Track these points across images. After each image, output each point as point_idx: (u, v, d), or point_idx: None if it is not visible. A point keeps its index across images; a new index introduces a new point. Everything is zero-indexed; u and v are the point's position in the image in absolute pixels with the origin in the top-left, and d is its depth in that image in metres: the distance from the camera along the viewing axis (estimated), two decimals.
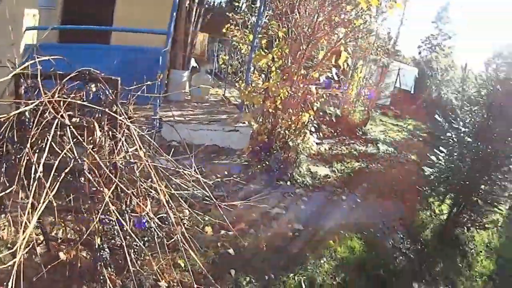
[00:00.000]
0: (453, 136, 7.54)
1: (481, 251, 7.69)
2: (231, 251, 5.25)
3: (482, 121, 7.27)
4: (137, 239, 3.29)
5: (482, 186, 7.45)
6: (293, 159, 7.92)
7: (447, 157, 7.63)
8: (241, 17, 12.36)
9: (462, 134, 7.44)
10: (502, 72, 7.85)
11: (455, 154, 7.61)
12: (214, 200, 3.61)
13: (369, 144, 11.41)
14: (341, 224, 6.78)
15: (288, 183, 7.60)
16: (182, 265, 4.55)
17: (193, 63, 11.07)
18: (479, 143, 7.22)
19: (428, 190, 7.90)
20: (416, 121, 17.63)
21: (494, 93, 7.17)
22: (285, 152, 7.84)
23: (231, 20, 12.27)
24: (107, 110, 3.17)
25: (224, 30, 12.51)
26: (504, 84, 7.16)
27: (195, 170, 3.50)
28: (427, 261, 6.76)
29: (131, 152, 3.24)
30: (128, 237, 3.35)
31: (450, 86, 19.91)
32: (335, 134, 11.67)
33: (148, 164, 3.20)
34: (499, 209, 7.58)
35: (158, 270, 3.83)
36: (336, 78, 7.93)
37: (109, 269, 3.66)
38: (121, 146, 3.19)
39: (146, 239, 3.68)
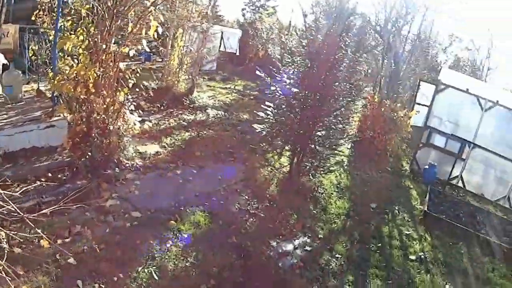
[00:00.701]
0: (278, 89, 7.88)
1: (332, 193, 8.44)
2: (71, 260, 4.76)
3: (307, 70, 7.74)
4: None
5: (318, 133, 8.06)
6: (116, 143, 7.62)
7: (276, 110, 8.03)
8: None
9: (288, 86, 7.84)
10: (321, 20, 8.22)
11: (283, 106, 8.03)
12: (21, 214, 3.27)
13: (198, 112, 11.56)
14: (181, 200, 6.77)
15: (117, 169, 7.32)
16: None
17: (2, 60, 9.65)
18: (306, 92, 7.72)
19: (265, 146, 8.42)
20: (246, 81, 18.38)
21: (314, 41, 7.62)
22: (107, 138, 7.49)
23: (39, 6, 10.94)
24: None
25: (33, 18, 11.13)
26: (322, 31, 7.64)
27: None
28: (280, 215, 7.06)
29: None
30: None
31: (275, 43, 21.06)
32: (162, 107, 11.54)
33: None
34: (339, 151, 8.37)
35: None
36: (148, 50, 7.66)
37: None
38: None
39: None
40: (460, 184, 11.15)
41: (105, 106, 7.42)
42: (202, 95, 13.37)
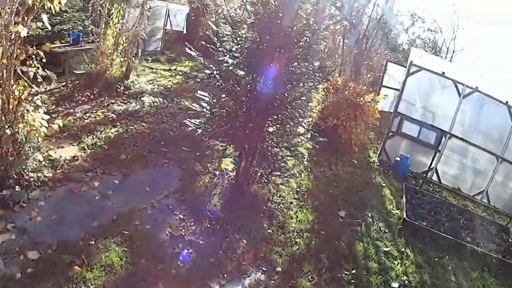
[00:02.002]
0: (216, 72, 5.95)
1: (291, 202, 6.84)
2: None
3: (255, 47, 5.85)
4: None
5: (270, 128, 6.35)
6: (16, 152, 5.78)
7: (213, 101, 6.20)
8: None
9: (230, 68, 5.85)
10: None
11: (224, 95, 6.18)
12: None
13: (132, 100, 9.70)
14: (93, 228, 5.03)
15: (17, 188, 5.49)
16: None
17: None
18: (255, 75, 5.87)
19: (205, 139, 6.66)
20: (194, 62, 16.46)
21: (265, 6, 5.67)
22: (1, 147, 5.60)
23: None
24: None
25: None
26: None
27: None
28: (224, 242, 5.41)
29: None
30: None
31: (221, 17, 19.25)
32: (92, 96, 9.63)
33: None
34: (298, 152, 6.54)
35: None
36: (48, 26, 5.72)
37: None
38: None
39: None
40: (434, 177, 9.96)
41: None
42: (140, 80, 11.40)
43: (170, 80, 12.62)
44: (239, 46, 5.96)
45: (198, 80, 13.21)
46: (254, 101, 5.96)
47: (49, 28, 5.81)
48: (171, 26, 18.32)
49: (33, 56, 5.72)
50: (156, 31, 16.31)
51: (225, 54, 5.98)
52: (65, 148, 6.82)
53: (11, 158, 5.50)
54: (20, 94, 5.70)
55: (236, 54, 5.95)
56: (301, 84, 6.13)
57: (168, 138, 7.84)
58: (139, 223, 5.29)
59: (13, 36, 5.46)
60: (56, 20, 10.60)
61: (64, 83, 9.85)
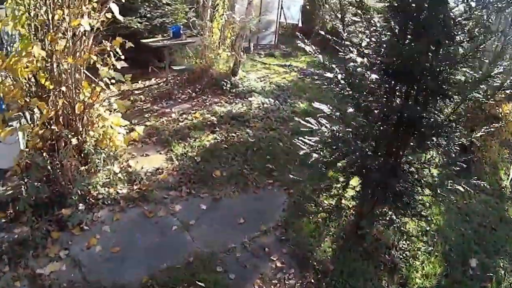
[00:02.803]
0: (340, 77, 4.14)
1: (419, 248, 4.90)
2: None
3: (395, 40, 3.97)
4: None
5: (410, 157, 4.44)
6: (83, 164, 4.82)
7: (336, 116, 4.48)
8: None
9: (359, 69, 4.16)
10: None
11: (351, 109, 4.33)
12: None
13: (238, 100, 8.46)
14: (160, 271, 3.86)
15: (81, 205, 4.53)
16: None
17: None
18: (393, 82, 4.02)
19: (323, 167, 4.65)
20: (311, 57, 14.83)
21: None
22: (69, 157, 4.64)
23: None
24: None
25: None
26: None
27: None
28: None
29: None
30: None
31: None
32: (195, 94, 8.65)
33: None
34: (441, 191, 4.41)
35: None
36: (120, 18, 4.62)
37: None
38: None
39: None
40: None
41: (73, 105, 4.67)
42: (249, 76, 10.20)
43: (284, 77, 11.21)
44: (371, 38, 4.19)
45: (316, 78, 11.59)
46: (392, 119, 4.12)
47: (121, 19, 4.70)
48: (285, 18, 16.96)
49: (111, 53, 4.72)
50: (269, 24, 15.09)
51: (351, 50, 4.26)
52: (150, 157, 5.82)
53: (75, 173, 4.52)
54: (87, 98, 4.70)
55: (366, 51, 4.18)
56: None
57: (276, 150, 6.39)
58: (222, 271, 3.95)
59: (78, 31, 4.47)
60: (157, 13, 9.93)
61: (165, 79, 9.07)
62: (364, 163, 4.19)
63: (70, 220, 4.28)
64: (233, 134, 6.63)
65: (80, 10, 4.36)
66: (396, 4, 3.81)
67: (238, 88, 9.11)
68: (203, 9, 10.28)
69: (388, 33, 4.08)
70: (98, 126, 4.87)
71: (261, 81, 10.27)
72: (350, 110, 4.35)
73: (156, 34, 10.16)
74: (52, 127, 4.51)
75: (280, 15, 16.48)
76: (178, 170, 5.49)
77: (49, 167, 4.40)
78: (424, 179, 4.35)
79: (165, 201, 4.86)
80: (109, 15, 4.60)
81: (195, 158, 5.78)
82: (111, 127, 4.94)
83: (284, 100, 8.85)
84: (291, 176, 5.41)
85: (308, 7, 17.99)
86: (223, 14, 9.89)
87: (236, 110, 7.74)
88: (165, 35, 9.91)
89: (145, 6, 10.11)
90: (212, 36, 9.76)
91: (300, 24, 17.59)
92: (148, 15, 10.05)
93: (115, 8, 4.46)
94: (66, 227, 4.27)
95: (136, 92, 8.69)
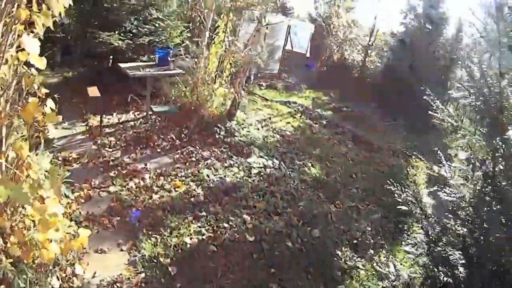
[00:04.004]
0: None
1: None
2: None
3: None
4: None
5: None
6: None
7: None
8: None
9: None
10: None
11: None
12: None
13: (234, 158, 6.54)
14: None
15: None
16: None
17: None
18: None
19: None
20: (317, 91, 13.12)
21: None
22: None
23: None
24: None
25: None
26: None
27: None
28: None
29: None
30: None
31: (354, 44, 15.95)
32: (178, 141, 6.74)
33: None
34: None
35: None
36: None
37: None
38: None
39: None
40: None
41: None
42: (248, 120, 8.28)
43: (288, 122, 9.33)
44: None
45: (325, 121, 9.77)
46: None
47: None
48: (292, 46, 15.19)
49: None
50: (274, 50, 13.34)
51: None
52: (106, 255, 3.89)
53: None
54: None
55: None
56: None
57: (283, 253, 4.44)
58: None
59: None
60: (145, 30, 8.15)
61: (145, 113, 7.29)
62: None
63: None
64: (225, 225, 4.62)
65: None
66: None
67: (235, 137, 7.18)
68: (200, 31, 8.49)
69: None
70: (23, 234, 2.94)
71: (262, 127, 8.34)
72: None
73: (142, 54, 8.36)
74: None
75: (287, 42, 14.75)
76: (142, 286, 3.56)
77: None
78: None
79: None
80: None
81: (169, 268, 3.82)
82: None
83: (291, 161, 6.94)
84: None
85: (315, 39, 16.38)
86: (223, 40, 8.06)
87: (230, 177, 5.78)
88: (152, 56, 8.10)
89: (131, 19, 8.28)
90: (208, 66, 7.90)
91: (308, 55, 15.86)
92: (134, 31, 8.21)
93: (32, 44, 2.56)
94: None
95: (107, 130, 6.79)
